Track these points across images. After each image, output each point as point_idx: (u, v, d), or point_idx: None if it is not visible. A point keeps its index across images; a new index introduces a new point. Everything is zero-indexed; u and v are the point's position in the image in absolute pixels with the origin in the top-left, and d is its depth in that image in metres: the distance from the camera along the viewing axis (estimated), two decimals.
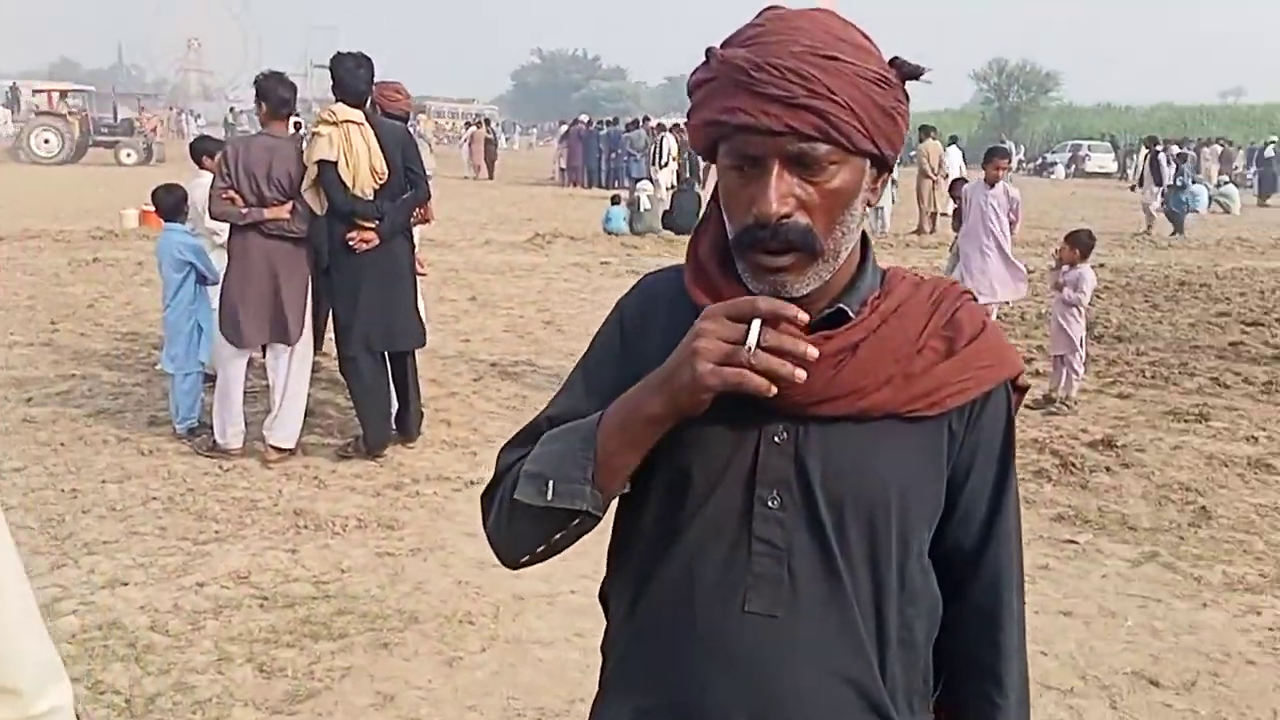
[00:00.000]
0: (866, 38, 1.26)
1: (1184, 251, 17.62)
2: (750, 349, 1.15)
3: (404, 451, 6.01)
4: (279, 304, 5.69)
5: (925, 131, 19.26)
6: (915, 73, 1.27)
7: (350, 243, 5.59)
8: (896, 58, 1.26)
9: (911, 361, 1.27)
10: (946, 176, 17.64)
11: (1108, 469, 6.05)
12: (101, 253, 13.30)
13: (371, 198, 5.58)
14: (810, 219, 1.21)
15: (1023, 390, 1.40)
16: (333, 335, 6.17)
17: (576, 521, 1.28)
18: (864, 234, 1.34)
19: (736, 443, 1.28)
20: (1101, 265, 14.67)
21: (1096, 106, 65.27)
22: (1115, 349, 9.40)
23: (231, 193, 5.59)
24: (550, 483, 1.27)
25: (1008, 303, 9.09)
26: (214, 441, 5.85)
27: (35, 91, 36.47)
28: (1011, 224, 8.31)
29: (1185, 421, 7.05)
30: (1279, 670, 3.88)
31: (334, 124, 5.52)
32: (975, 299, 1.38)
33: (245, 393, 6.05)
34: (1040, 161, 46.98)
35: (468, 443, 6.23)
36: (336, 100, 5.65)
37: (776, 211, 1.19)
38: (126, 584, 4.26)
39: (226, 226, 5.86)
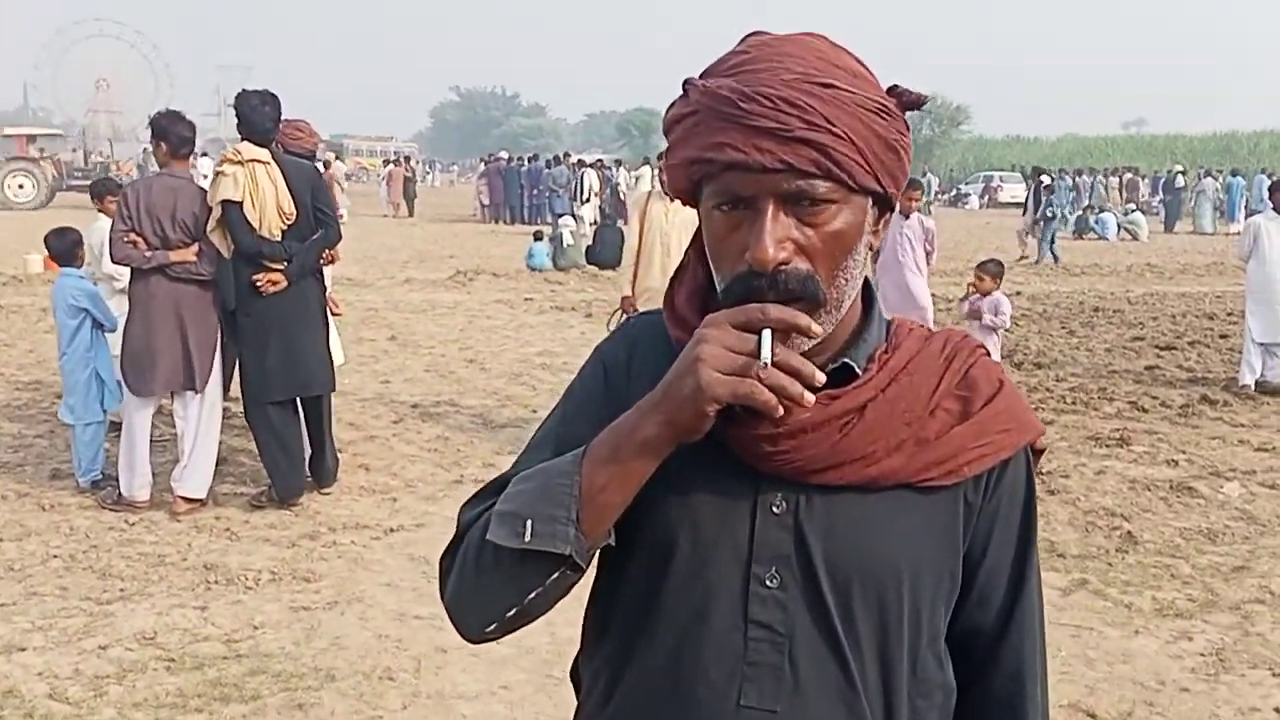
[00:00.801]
0: (862, 64, 1.13)
1: (1096, 278, 18.05)
2: (764, 363, 1.01)
3: (320, 499, 5.81)
4: (187, 349, 5.48)
5: None
6: (917, 102, 1.13)
7: (257, 285, 5.42)
8: (896, 85, 1.14)
9: (924, 425, 1.14)
10: None
11: None
12: (4, 299, 12.83)
13: (279, 239, 5.42)
14: (811, 265, 1.08)
15: (1040, 453, 1.30)
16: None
17: (556, 575, 1.10)
18: (867, 281, 1.20)
19: (730, 512, 1.14)
20: (1018, 293, 14.95)
21: (1006, 139, 67.05)
22: (1035, 375, 9.53)
23: (134, 235, 5.38)
24: (528, 522, 1.08)
25: None
26: (119, 494, 5.60)
27: (5, 136, 35.34)
28: (928, 254, 8.43)
29: (1107, 446, 7.13)
30: (1212, 698, 3.87)
31: (239, 163, 5.36)
32: (989, 353, 1.25)
33: (152, 442, 5.81)
34: (955, 192, 48.00)
35: (387, 488, 6.04)
36: (242, 139, 5.49)
37: (774, 257, 1.05)
38: (24, 649, 4.02)
39: (127, 270, 5.64)
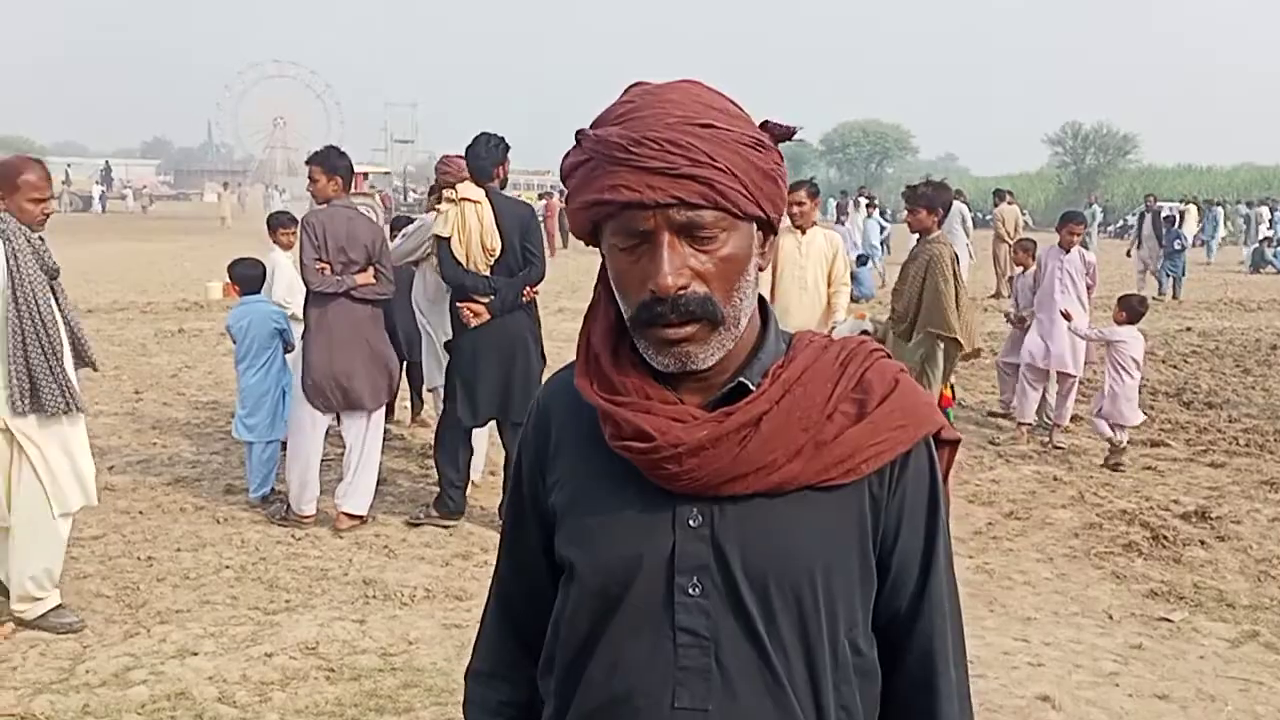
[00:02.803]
0: (736, 105, 1.24)
1: (1275, 314, 17.08)
2: None
3: (473, 521, 5.98)
4: (364, 370, 5.77)
5: (1000, 195, 19.08)
6: (787, 134, 1.26)
7: (463, 314, 5.68)
8: (767, 121, 1.26)
9: (822, 429, 1.22)
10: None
11: (1202, 542, 5.79)
12: (186, 324, 13.66)
13: (486, 274, 5.66)
14: (708, 288, 1.19)
15: (952, 444, 1.34)
16: (405, 400, 6.17)
17: None
18: (764, 301, 1.31)
19: (650, 529, 1.23)
20: (1188, 329, 14.30)
21: (1177, 168, 64.19)
22: (1206, 415, 9.08)
23: (322, 263, 5.70)
24: None
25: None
26: (287, 509, 5.89)
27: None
28: (1089, 289, 8.16)
29: None
30: None
31: (454, 202, 5.67)
32: (888, 356, 1.32)
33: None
34: (1121, 224, 46.17)
35: None
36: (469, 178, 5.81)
37: (674, 284, 1.17)
38: (196, 654, 4.25)
39: (299, 297, 5.96)
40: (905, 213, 6.64)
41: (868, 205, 22.43)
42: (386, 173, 44.04)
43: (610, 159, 1.18)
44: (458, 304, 5.71)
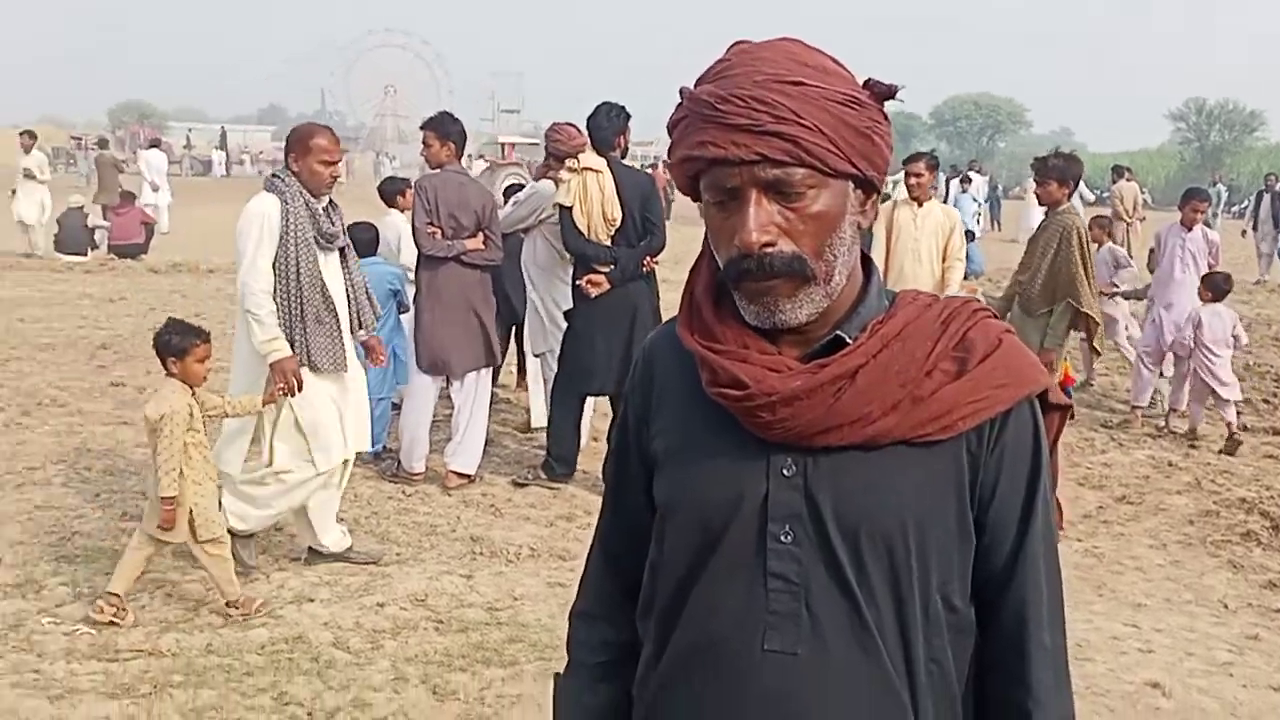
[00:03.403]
0: (836, 62, 1.24)
1: None
2: None
3: (576, 484, 6.07)
4: (472, 333, 5.90)
5: (1119, 172, 18.44)
6: (889, 92, 1.25)
7: (583, 287, 5.75)
8: (870, 79, 1.25)
9: (919, 384, 1.23)
10: (1143, 220, 16.85)
11: None
12: None
13: (607, 243, 5.72)
14: (797, 245, 1.20)
15: (1062, 409, 1.32)
16: (512, 364, 6.27)
17: None
18: (867, 258, 1.31)
19: (746, 478, 1.26)
20: None
21: None
22: None
23: (434, 227, 5.82)
24: None
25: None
26: (398, 466, 6.05)
27: (499, 143, 36.73)
28: (1210, 268, 7.89)
29: None
30: None
31: (576, 171, 5.74)
32: (994, 316, 1.30)
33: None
34: (1245, 204, 44.31)
35: None
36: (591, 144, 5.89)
37: (758, 240, 1.19)
38: (313, 600, 4.42)
39: (413, 259, 6.10)
40: (1034, 185, 6.55)
41: (961, 181, 21.76)
42: (534, 143, 44.05)
43: (701, 116, 1.21)
44: (578, 276, 5.78)
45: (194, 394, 4.22)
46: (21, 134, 17.22)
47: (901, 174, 6.73)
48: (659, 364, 1.40)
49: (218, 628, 4.14)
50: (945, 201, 18.99)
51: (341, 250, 4.68)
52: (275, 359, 4.43)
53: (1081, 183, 18.65)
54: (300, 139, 4.55)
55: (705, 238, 1.31)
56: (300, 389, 4.46)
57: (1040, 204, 6.60)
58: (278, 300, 4.46)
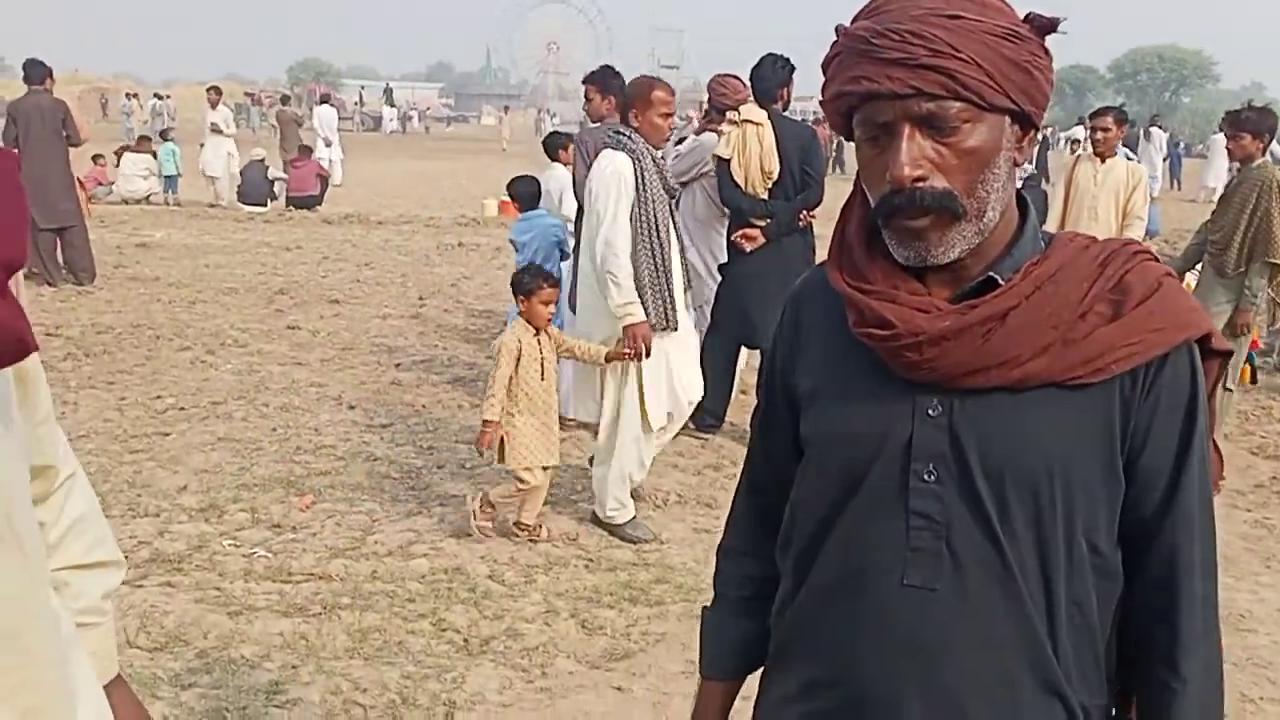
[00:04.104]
0: None
1: None
2: None
3: (723, 435, 6.13)
4: None
5: None
6: (1050, 26, 1.21)
7: (737, 241, 5.78)
8: (1031, 13, 1.21)
9: (1073, 327, 1.20)
10: None
11: None
12: (465, 238, 14.48)
13: (764, 196, 5.74)
14: (948, 181, 1.18)
15: (1223, 355, 1.27)
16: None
17: None
18: (1023, 197, 1.28)
19: (891, 417, 1.26)
20: None
21: None
22: None
23: None
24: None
25: None
26: (561, 415, 6.20)
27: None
28: None
29: None
30: None
31: (736, 124, 5.76)
32: (1155, 259, 1.25)
33: None
34: None
35: None
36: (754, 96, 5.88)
37: (910, 174, 1.17)
38: (470, 535, 4.62)
39: (573, 211, 6.20)
40: (1224, 140, 6.26)
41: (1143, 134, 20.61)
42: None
43: (855, 51, 1.20)
44: (733, 230, 5.78)
45: (538, 333, 4.53)
46: (209, 90, 18.12)
47: (1077, 127, 6.51)
48: (806, 307, 1.40)
49: (382, 556, 4.37)
50: (1134, 158, 18.21)
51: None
52: (630, 323, 4.44)
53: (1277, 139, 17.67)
54: (640, 93, 4.56)
55: (857, 177, 1.31)
56: (649, 354, 4.51)
57: (1232, 159, 6.33)
58: (637, 257, 4.46)
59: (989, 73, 1.16)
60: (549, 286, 4.51)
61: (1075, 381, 1.21)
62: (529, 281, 4.54)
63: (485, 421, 4.45)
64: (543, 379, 4.51)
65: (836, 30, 1.26)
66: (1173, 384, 1.23)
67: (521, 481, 4.53)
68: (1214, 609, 1.29)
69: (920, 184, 1.18)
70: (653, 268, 4.48)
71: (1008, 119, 1.21)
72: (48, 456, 1.22)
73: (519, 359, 4.46)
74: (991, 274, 1.24)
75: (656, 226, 4.47)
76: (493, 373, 4.46)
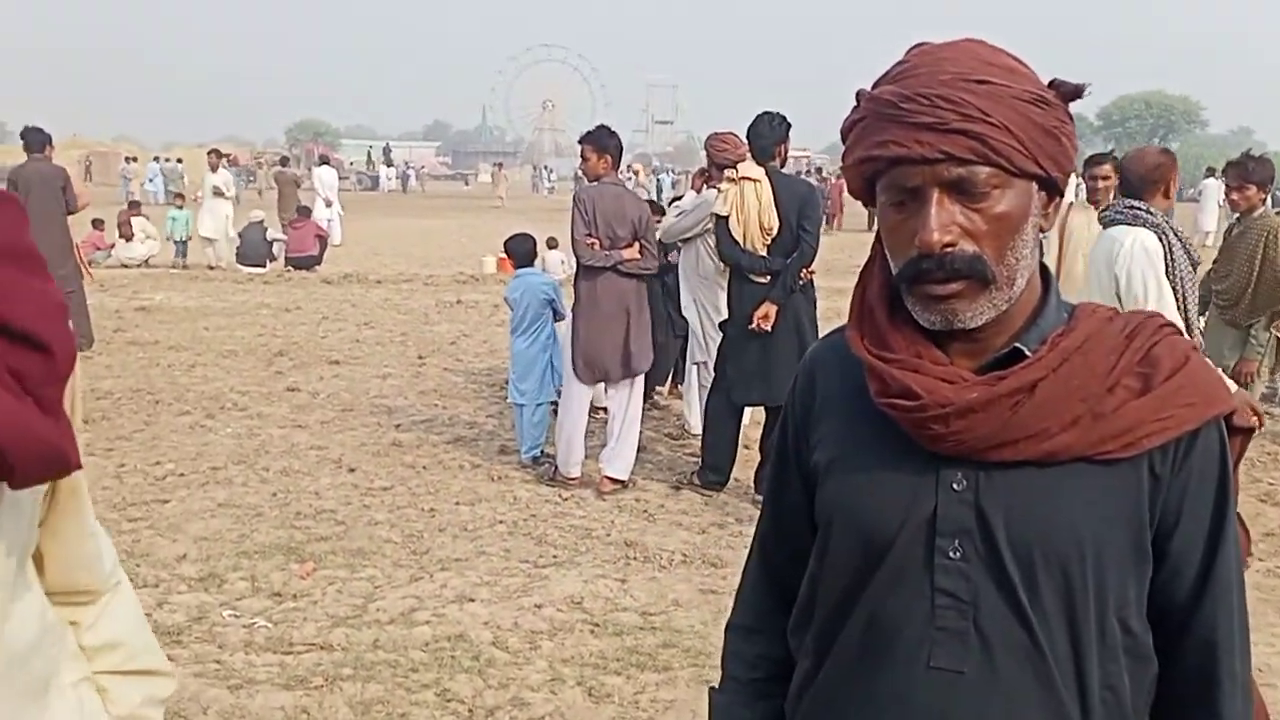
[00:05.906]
0: (1019, 61, 1.21)
1: None
2: None
3: (728, 492, 6.08)
4: (628, 340, 5.99)
5: None
6: (1076, 92, 1.21)
7: (751, 323, 5.72)
8: (1055, 79, 1.21)
9: (1101, 400, 1.18)
10: None
11: None
12: (463, 295, 14.48)
13: (764, 253, 5.74)
14: (978, 246, 1.17)
15: (1246, 432, 1.25)
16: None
17: None
18: (1045, 267, 1.26)
19: (915, 491, 1.22)
20: None
21: None
22: None
23: (592, 238, 5.93)
24: None
25: None
26: (555, 470, 6.18)
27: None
28: None
29: None
30: None
31: (734, 181, 5.79)
32: (1179, 333, 1.23)
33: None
34: None
35: None
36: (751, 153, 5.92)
37: (939, 240, 1.15)
38: (473, 600, 4.55)
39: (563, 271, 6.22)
40: (1225, 190, 6.34)
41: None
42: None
43: (881, 115, 1.18)
44: (733, 286, 5.77)
45: None
46: (210, 153, 18.24)
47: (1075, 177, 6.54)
48: (821, 375, 1.37)
49: (384, 624, 4.30)
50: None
51: None
52: None
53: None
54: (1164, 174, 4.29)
55: (875, 240, 1.29)
56: None
57: (1235, 209, 6.37)
58: None
59: (1019, 138, 1.15)
60: None
61: (1105, 456, 1.18)
62: None
63: None
64: None
65: (858, 95, 1.24)
66: (1204, 459, 1.21)
67: None
68: (1251, 690, 1.26)
69: (950, 249, 1.16)
70: None
71: (1035, 185, 1.20)
72: (93, 578, 1.26)
73: None
74: (1018, 345, 1.21)
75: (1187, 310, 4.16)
76: None
